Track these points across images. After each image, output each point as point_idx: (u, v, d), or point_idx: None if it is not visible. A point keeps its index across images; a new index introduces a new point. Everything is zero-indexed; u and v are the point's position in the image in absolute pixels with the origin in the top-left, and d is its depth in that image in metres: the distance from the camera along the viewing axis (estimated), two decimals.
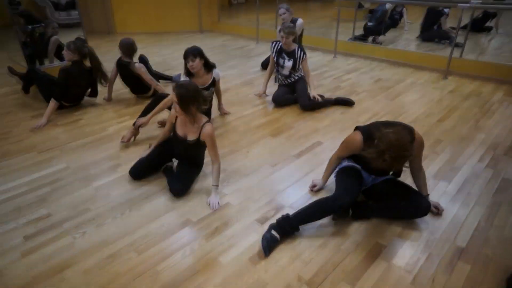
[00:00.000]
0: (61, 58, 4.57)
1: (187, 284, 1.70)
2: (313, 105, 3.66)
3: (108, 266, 1.81)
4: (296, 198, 2.33)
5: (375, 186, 2.20)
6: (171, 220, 2.13)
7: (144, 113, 3.07)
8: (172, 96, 2.24)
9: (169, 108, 2.95)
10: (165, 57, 5.83)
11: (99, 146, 3.00)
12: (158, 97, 3.10)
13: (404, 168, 2.11)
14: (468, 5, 4.44)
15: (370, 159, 1.81)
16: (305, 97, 3.66)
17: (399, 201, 2.09)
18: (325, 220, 2.09)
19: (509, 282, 1.65)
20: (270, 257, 1.85)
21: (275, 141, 3.07)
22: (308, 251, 1.89)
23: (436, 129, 3.24)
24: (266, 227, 2.00)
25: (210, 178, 2.38)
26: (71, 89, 3.52)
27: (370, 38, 6.44)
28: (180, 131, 2.36)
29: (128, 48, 3.68)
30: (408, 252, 1.89)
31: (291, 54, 3.65)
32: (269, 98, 3.98)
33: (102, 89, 3.98)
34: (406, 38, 6.94)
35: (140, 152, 2.83)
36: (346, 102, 3.81)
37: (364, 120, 3.43)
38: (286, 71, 3.75)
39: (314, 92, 3.67)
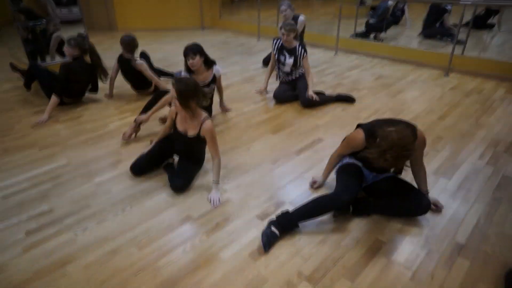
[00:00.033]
0: (63, 55, 4.58)
1: (188, 279, 1.72)
2: (314, 102, 3.66)
3: (109, 262, 1.82)
4: (296, 195, 2.33)
5: (376, 183, 2.20)
6: (172, 216, 2.14)
7: (145, 109, 3.07)
8: (172, 92, 2.24)
9: (170, 104, 2.96)
10: (166, 53, 5.84)
11: (100, 142, 3.01)
12: (159, 93, 3.11)
13: (405, 167, 2.11)
14: (471, 1, 4.43)
15: (372, 159, 1.80)
16: (306, 93, 3.66)
17: (399, 199, 2.09)
18: (325, 216, 2.10)
19: (507, 278, 1.65)
20: (270, 253, 1.86)
21: (275, 138, 3.07)
22: (308, 247, 1.90)
23: (437, 126, 3.24)
24: (266, 223, 2.01)
25: (211, 174, 2.39)
26: (72, 84, 3.53)
27: (372, 35, 6.43)
28: (180, 127, 2.37)
29: (129, 44, 3.69)
30: (408, 248, 1.90)
31: (292, 52, 3.64)
32: (270, 95, 3.98)
33: (103, 86, 3.99)
34: (408, 35, 6.92)
35: (141, 148, 2.84)
36: (347, 99, 3.81)
37: (365, 117, 3.44)
38: (287, 68, 3.75)
39: (311, 91, 3.63)
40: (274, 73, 4.04)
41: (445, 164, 2.66)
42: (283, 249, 1.89)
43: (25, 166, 2.65)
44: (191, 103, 2.20)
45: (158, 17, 7.75)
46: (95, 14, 7.54)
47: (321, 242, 1.94)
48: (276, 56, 3.77)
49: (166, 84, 3.99)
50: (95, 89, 3.80)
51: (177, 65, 5.00)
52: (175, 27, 7.91)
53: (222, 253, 1.87)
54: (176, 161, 2.62)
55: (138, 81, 3.90)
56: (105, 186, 2.43)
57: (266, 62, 5.09)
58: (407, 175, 2.29)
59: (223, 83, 3.73)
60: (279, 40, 3.72)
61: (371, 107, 3.67)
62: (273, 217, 2.03)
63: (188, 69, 3.00)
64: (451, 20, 6.41)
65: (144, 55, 4.22)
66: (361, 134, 2.00)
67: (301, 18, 4.54)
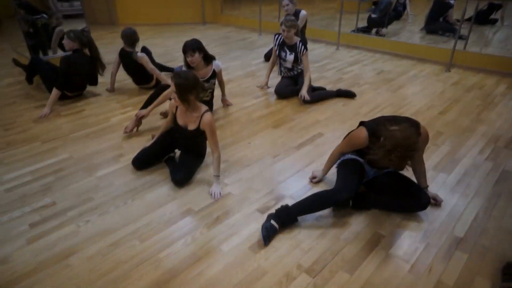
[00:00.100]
0: (65, 49, 4.58)
1: (189, 271, 1.74)
2: (315, 98, 3.67)
3: (111, 254, 1.84)
4: (296, 189, 2.35)
5: (377, 178, 2.21)
6: (173, 209, 2.16)
7: (146, 104, 3.09)
8: (171, 86, 2.25)
9: (171, 99, 2.98)
10: (168, 48, 5.84)
11: (102, 136, 3.03)
12: (161, 88, 3.12)
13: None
14: None
15: (377, 160, 1.78)
16: (308, 90, 3.66)
17: (399, 195, 2.10)
18: (325, 210, 2.11)
19: (504, 271, 1.67)
20: (270, 246, 1.88)
21: (276, 132, 3.09)
22: (308, 240, 1.92)
23: (437, 121, 3.25)
24: (266, 216, 2.03)
25: (212, 168, 2.41)
26: (73, 77, 3.54)
27: (374, 30, 6.41)
28: (180, 121, 2.39)
29: (130, 37, 3.69)
30: (407, 242, 1.92)
31: (292, 48, 3.63)
32: (271, 89, 3.99)
33: (105, 80, 4.01)
34: (410, 30, 6.89)
35: (142, 142, 2.86)
36: (347, 94, 3.81)
37: (365, 112, 3.44)
38: (288, 64, 3.75)
39: (304, 90, 3.58)
40: (276, 67, 4.05)
41: (445, 159, 2.67)
42: (283, 242, 1.91)
43: (27, 160, 2.68)
44: (190, 97, 2.20)
45: (159, 12, 7.74)
46: (96, 9, 7.53)
47: (320, 235, 1.96)
48: (277, 52, 3.77)
49: (167, 78, 4.00)
50: (94, 82, 3.81)
51: (178, 60, 5.01)
52: (177, 22, 7.90)
53: (222, 245, 1.89)
54: (178, 155, 2.64)
55: (139, 75, 3.92)
56: (107, 179, 2.45)
57: (267, 57, 5.09)
58: (407, 170, 2.30)
59: (224, 78, 3.74)
60: (280, 36, 3.71)
61: (372, 102, 3.68)
62: (273, 210, 2.05)
63: (188, 65, 3.01)
64: (453, 15, 6.38)
65: (145, 50, 4.22)
66: (364, 132, 1.99)
67: (303, 13, 4.53)
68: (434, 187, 2.33)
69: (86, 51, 3.60)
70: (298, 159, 2.69)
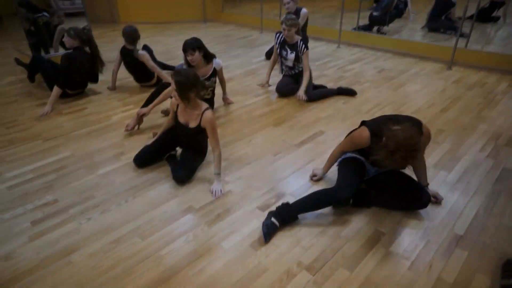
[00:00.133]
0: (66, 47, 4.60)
1: (190, 268, 1.75)
2: (316, 96, 3.67)
3: (113, 251, 1.86)
4: (297, 187, 2.36)
5: (377, 176, 2.21)
6: (174, 207, 2.18)
7: (148, 102, 3.10)
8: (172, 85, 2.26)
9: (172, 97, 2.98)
10: (169, 46, 5.84)
11: (104, 134, 3.04)
12: (162, 86, 3.13)
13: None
14: None
15: (380, 160, 1.76)
16: (308, 88, 3.66)
17: (400, 193, 2.10)
18: (326, 208, 2.11)
19: (504, 268, 1.68)
20: (270, 243, 1.89)
21: (277, 130, 3.09)
22: (308, 238, 1.93)
23: (438, 119, 3.25)
24: (267, 214, 2.03)
25: (213, 166, 2.41)
26: (74, 75, 3.55)
27: (375, 28, 6.39)
28: (181, 119, 2.39)
29: (131, 35, 3.70)
30: (407, 239, 1.92)
31: (293, 47, 3.62)
32: (272, 88, 3.99)
33: (106, 78, 4.02)
34: (411, 28, 6.88)
35: (143, 140, 2.87)
36: (348, 92, 3.81)
37: (366, 110, 3.44)
38: (289, 63, 3.74)
39: (302, 90, 3.56)
40: (277, 66, 4.05)
41: (445, 157, 2.67)
42: (284, 239, 1.92)
43: (29, 158, 2.69)
44: (190, 95, 2.21)
45: (160, 9, 7.74)
46: (97, 7, 7.54)
47: (321, 233, 1.97)
48: (278, 50, 3.77)
49: (168, 76, 4.01)
50: (95, 79, 3.82)
51: (179, 58, 5.00)
52: (178, 20, 7.90)
53: (223, 243, 1.90)
54: (179, 152, 2.65)
55: (141, 73, 3.93)
56: (109, 177, 2.46)
57: (269, 55, 5.09)
58: (408, 168, 2.30)
59: (225, 76, 3.75)
60: (281, 34, 3.71)
61: (373, 100, 3.68)
62: (274, 208, 2.06)
63: (188, 64, 3.02)
64: (456, 13, 6.36)
65: (146, 48, 4.23)
66: (366, 132, 1.98)
67: (304, 10, 4.53)
68: (434, 185, 2.33)
69: (87, 49, 3.60)
70: (299, 157, 2.70)
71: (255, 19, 7.24)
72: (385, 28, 6.37)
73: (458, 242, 1.89)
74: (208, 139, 2.36)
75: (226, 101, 3.62)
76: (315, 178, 2.41)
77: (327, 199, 2.01)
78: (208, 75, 3.12)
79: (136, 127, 3.07)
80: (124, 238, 1.94)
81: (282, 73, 3.97)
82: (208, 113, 2.28)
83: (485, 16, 6.97)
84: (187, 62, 3.01)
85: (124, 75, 4.13)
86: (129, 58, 3.79)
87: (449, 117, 3.30)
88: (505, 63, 4.48)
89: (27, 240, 1.92)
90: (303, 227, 2.00)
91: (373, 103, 3.62)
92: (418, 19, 7.46)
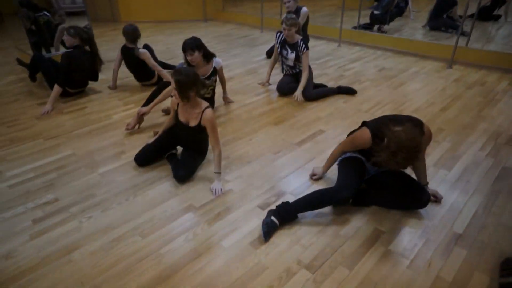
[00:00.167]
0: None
1: (190, 266, 1.76)
2: (316, 95, 3.67)
3: (114, 249, 1.87)
4: (296, 185, 2.36)
5: (377, 175, 2.22)
6: (175, 206, 2.18)
7: (148, 101, 3.11)
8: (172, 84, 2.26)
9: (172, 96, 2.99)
10: (170, 45, 5.85)
11: (104, 133, 3.05)
12: (162, 85, 3.14)
13: None
14: None
15: (382, 162, 1.76)
16: (309, 87, 3.66)
17: (400, 193, 2.10)
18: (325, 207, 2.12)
19: (503, 267, 1.68)
20: (270, 242, 1.90)
21: (277, 129, 3.10)
22: (307, 236, 1.94)
23: (438, 118, 3.25)
24: (266, 212, 2.04)
25: (213, 165, 2.42)
26: (75, 73, 3.56)
27: (376, 27, 6.39)
28: (182, 118, 2.40)
29: (131, 34, 3.71)
30: (406, 238, 1.93)
31: (293, 47, 3.62)
32: (272, 87, 4.00)
33: (107, 77, 4.03)
34: (412, 26, 6.87)
35: (144, 139, 2.88)
36: (348, 91, 3.81)
37: (366, 109, 3.45)
38: (290, 62, 3.74)
39: (299, 91, 3.55)
40: (278, 65, 4.05)
41: (445, 155, 2.68)
42: (283, 238, 1.93)
43: (30, 157, 2.70)
44: (190, 93, 2.21)
45: (161, 8, 7.75)
46: (98, 6, 7.55)
47: (320, 232, 1.97)
48: (279, 50, 3.77)
49: (169, 75, 4.02)
50: (95, 77, 3.83)
51: (179, 57, 5.00)
52: (178, 19, 7.91)
53: (223, 241, 1.91)
54: (180, 151, 2.66)
55: (141, 71, 3.93)
56: (109, 176, 2.47)
57: (269, 54, 5.09)
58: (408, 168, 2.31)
59: (226, 75, 3.75)
60: (282, 34, 3.70)
61: (373, 99, 3.68)
62: (274, 207, 2.07)
63: (188, 63, 3.02)
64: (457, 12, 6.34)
65: (147, 48, 4.23)
66: (367, 133, 1.98)
67: (304, 9, 4.52)
68: (434, 183, 2.34)
69: (87, 48, 3.61)
70: (299, 156, 2.70)
71: (255, 18, 7.24)
72: (385, 27, 6.37)
73: (457, 241, 1.90)
74: (209, 138, 2.37)
75: (226, 100, 3.63)
76: (315, 177, 2.42)
77: (327, 199, 2.02)
78: (208, 74, 3.12)
79: (137, 126, 3.08)
80: (125, 236, 1.95)
81: (283, 72, 3.97)
82: (208, 112, 2.28)
83: (486, 15, 6.96)
84: (187, 61, 3.02)
85: (125, 74, 4.14)
86: (130, 56, 3.80)
87: (449, 116, 3.30)
88: (505, 62, 4.48)
89: (28, 239, 1.93)
90: (302, 226, 2.01)
91: (373, 102, 3.62)
92: (419, 17, 7.46)
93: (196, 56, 2.93)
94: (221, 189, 2.30)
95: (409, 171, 2.21)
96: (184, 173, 2.40)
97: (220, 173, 2.34)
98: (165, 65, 4.42)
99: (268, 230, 1.92)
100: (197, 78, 2.24)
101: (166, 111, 3.35)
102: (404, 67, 4.69)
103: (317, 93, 3.70)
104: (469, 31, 4.83)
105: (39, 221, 2.05)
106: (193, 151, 2.55)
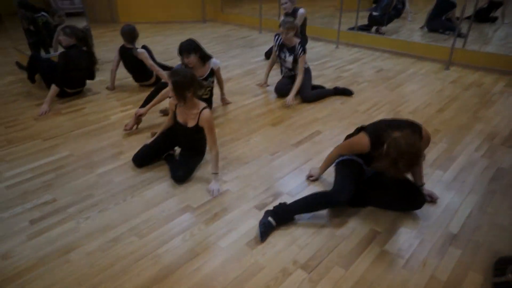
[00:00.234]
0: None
1: (187, 266, 1.77)
2: (314, 97, 3.69)
3: (111, 249, 1.88)
4: (293, 186, 2.38)
5: (374, 176, 2.23)
6: (172, 206, 2.20)
7: (146, 102, 3.12)
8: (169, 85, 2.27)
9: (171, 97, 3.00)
10: (168, 46, 5.86)
11: (102, 134, 3.06)
12: (160, 86, 3.15)
13: None
14: None
15: (383, 169, 1.76)
16: (307, 89, 3.68)
17: (396, 194, 2.11)
18: None
19: (496, 266, 1.70)
20: (267, 242, 1.91)
21: (275, 130, 3.11)
22: (304, 237, 1.95)
23: (435, 119, 3.27)
24: (263, 213, 2.05)
25: (210, 166, 2.43)
26: (72, 73, 3.56)
27: (374, 29, 6.41)
28: (180, 118, 2.41)
29: (130, 34, 3.72)
30: (402, 238, 1.94)
31: (291, 50, 3.63)
32: (270, 88, 4.01)
33: (105, 78, 4.03)
34: (410, 28, 6.89)
35: (142, 140, 2.89)
36: (344, 92, 3.83)
37: (363, 110, 3.46)
38: (288, 65, 3.75)
39: (291, 95, 3.55)
40: (276, 66, 4.06)
41: (441, 156, 2.69)
42: (280, 238, 1.94)
43: (28, 157, 2.71)
44: (187, 94, 2.22)
45: (160, 10, 7.76)
46: (97, 7, 7.55)
47: (316, 232, 1.99)
48: (277, 52, 3.78)
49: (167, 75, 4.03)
50: (92, 76, 3.83)
51: (178, 58, 5.00)
52: (177, 20, 7.91)
53: (220, 241, 1.92)
54: (178, 152, 2.67)
55: (139, 71, 3.94)
56: (107, 176, 2.48)
57: (268, 55, 5.10)
58: None
59: (224, 76, 3.76)
60: (280, 36, 3.71)
61: (370, 100, 3.70)
62: (271, 207, 2.08)
63: (186, 65, 3.04)
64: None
65: (145, 49, 4.24)
66: (366, 139, 1.97)
67: (301, 11, 4.53)
68: (430, 184, 2.35)
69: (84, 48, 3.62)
70: (296, 157, 2.72)
71: (254, 19, 7.26)
72: (383, 28, 6.39)
73: (452, 241, 1.92)
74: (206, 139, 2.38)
75: (224, 101, 3.64)
76: (312, 178, 2.43)
77: (324, 202, 2.04)
78: (205, 75, 3.14)
79: (135, 127, 3.09)
80: (122, 237, 1.96)
81: (282, 74, 3.98)
82: (206, 112, 2.30)
83: (483, 17, 6.98)
84: (184, 63, 3.03)
85: (123, 75, 4.15)
86: (128, 57, 3.80)
87: (445, 117, 3.32)
88: (502, 64, 4.50)
89: (25, 239, 1.94)
90: (299, 226, 2.02)
91: (371, 103, 3.64)
92: (416, 19, 7.48)
93: (192, 59, 2.95)
94: (218, 190, 2.31)
95: None
96: (182, 173, 2.41)
97: (217, 173, 2.35)
98: (163, 67, 4.43)
99: (265, 230, 1.94)
100: (194, 79, 2.25)
101: (164, 112, 3.36)
102: (401, 69, 4.71)
103: (314, 94, 3.72)
104: (466, 33, 4.85)
105: (37, 222, 2.06)
106: (191, 151, 2.56)
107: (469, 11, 4.86)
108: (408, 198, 2.08)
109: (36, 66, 3.81)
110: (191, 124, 2.37)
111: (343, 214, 2.12)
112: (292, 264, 1.78)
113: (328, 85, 4.02)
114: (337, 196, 2.01)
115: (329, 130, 3.10)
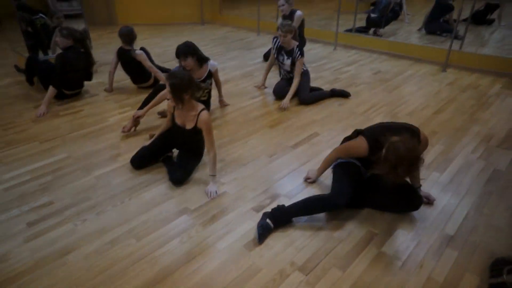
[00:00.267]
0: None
1: (185, 268, 1.77)
2: (312, 99, 3.70)
3: (108, 252, 1.87)
4: (291, 188, 2.38)
5: (371, 178, 2.24)
6: (170, 208, 2.20)
7: (144, 104, 3.12)
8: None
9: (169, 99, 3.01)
10: (166, 48, 5.86)
11: (100, 136, 3.06)
12: (158, 88, 3.15)
13: None
14: None
15: (383, 174, 1.76)
16: (305, 91, 3.69)
17: (393, 195, 2.11)
18: None
19: (493, 267, 1.71)
20: (264, 244, 1.92)
21: (273, 132, 3.12)
22: (301, 239, 1.95)
23: (432, 121, 3.28)
24: (261, 215, 2.06)
25: (208, 168, 2.44)
26: (70, 74, 3.56)
27: (371, 31, 6.44)
28: (179, 120, 2.42)
29: (128, 35, 3.72)
30: (399, 239, 1.95)
31: (289, 53, 3.64)
32: (268, 90, 4.02)
33: (103, 80, 4.03)
34: (407, 30, 6.93)
35: (140, 142, 2.89)
36: (342, 94, 3.84)
37: (361, 112, 3.48)
38: (287, 67, 3.76)
39: (287, 99, 3.56)
40: (274, 68, 4.07)
41: (438, 158, 2.71)
42: (277, 240, 1.95)
43: (26, 159, 2.71)
44: (184, 96, 2.22)
45: (158, 11, 7.77)
46: (95, 9, 7.55)
47: (314, 234, 1.99)
48: (276, 55, 3.79)
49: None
50: (89, 77, 3.83)
51: (176, 60, 5.02)
52: (175, 22, 7.93)
53: (218, 243, 1.93)
54: (176, 154, 2.67)
55: (138, 73, 3.94)
56: (105, 178, 2.48)
57: (266, 57, 5.12)
58: None
59: (222, 78, 3.77)
60: (278, 39, 3.72)
61: (368, 102, 3.71)
62: (269, 209, 2.09)
63: (184, 67, 3.04)
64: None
65: (144, 51, 4.25)
66: (364, 144, 1.98)
67: (298, 13, 4.54)
68: (427, 186, 2.36)
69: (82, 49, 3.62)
70: (294, 158, 2.72)
71: (252, 22, 7.28)
72: (381, 31, 6.42)
73: (448, 242, 1.92)
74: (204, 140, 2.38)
75: (222, 103, 3.65)
76: (309, 180, 2.44)
77: (322, 205, 2.04)
78: (203, 77, 3.14)
79: (133, 129, 3.09)
80: (120, 239, 1.96)
81: (280, 76, 3.99)
82: (204, 114, 2.30)
83: (480, 19, 7.03)
84: (182, 66, 3.04)
85: (121, 77, 4.15)
86: (126, 58, 3.81)
87: (442, 119, 3.34)
88: (499, 66, 4.53)
89: (23, 241, 1.94)
90: (296, 228, 2.03)
91: (368, 104, 3.65)
92: (414, 21, 7.52)
93: (189, 62, 2.95)
94: (216, 192, 2.31)
95: None
96: (180, 175, 2.41)
97: (215, 175, 2.36)
98: (161, 69, 4.43)
99: (263, 233, 1.94)
100: (191, 81, 2.25)
101: (162, 114, 3.36)
102: (399, 70, 4.73)
103: (312, 96, 3.73)
104: (463, 35, 4.88)
105: (34, 224, 2.06)
106: (189, 153, 2.56)
107: (466, 14, 4.89)
108: (405, 200, 2.08)
109: (34, 68, 3.81)
110: (189, 126, 2.37)
111: (340, 216, 2.13)
112: (290, 266, 1.79)
113: (326, 87, 4.03)
114: (335, 200, 2.01)
115: (327, 132, 3.11)
